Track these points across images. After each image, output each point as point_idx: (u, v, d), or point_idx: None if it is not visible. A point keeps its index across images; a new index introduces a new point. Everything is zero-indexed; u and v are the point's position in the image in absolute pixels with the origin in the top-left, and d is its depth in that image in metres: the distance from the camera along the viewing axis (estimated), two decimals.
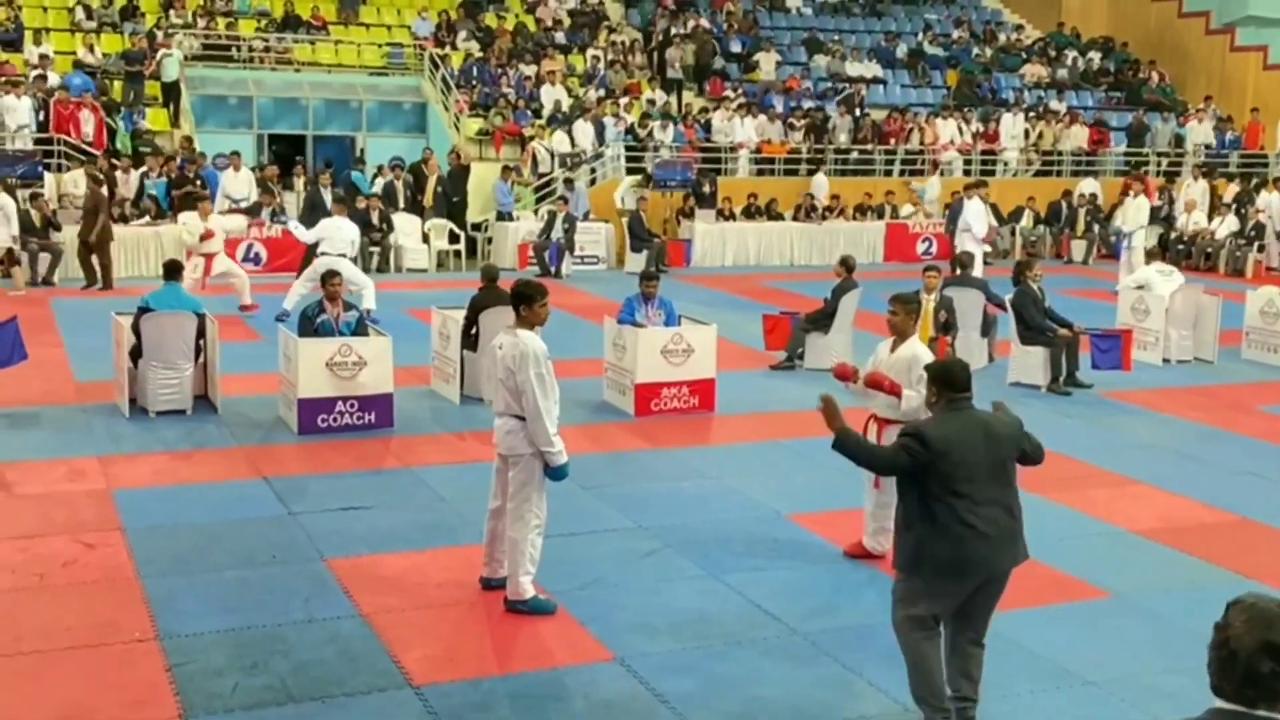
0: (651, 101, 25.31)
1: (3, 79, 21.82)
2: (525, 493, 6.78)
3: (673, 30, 28.52)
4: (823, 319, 13.56)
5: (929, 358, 7.16)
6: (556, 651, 6.40)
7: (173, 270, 11.55)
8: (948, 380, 5.44)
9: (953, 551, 5.17)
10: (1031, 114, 28.31)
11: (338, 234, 15.43)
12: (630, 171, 23.64)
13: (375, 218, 19.96)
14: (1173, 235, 23.91)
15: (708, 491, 9.22)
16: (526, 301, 6.74)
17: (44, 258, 18.30)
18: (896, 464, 5.34)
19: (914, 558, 5.29)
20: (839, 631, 6.73)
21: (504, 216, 21.96)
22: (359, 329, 11.05)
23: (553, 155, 23.60)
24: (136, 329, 10.95)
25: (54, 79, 22.15)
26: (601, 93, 25.93)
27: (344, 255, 15.23)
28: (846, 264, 13.72)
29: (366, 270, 18.16)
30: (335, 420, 10.54)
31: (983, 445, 5.26)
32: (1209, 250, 23.44)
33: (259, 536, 7.96)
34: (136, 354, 10.97)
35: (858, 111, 26.72)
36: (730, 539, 8.13)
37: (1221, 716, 2.70)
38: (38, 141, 20.86)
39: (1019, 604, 7.22)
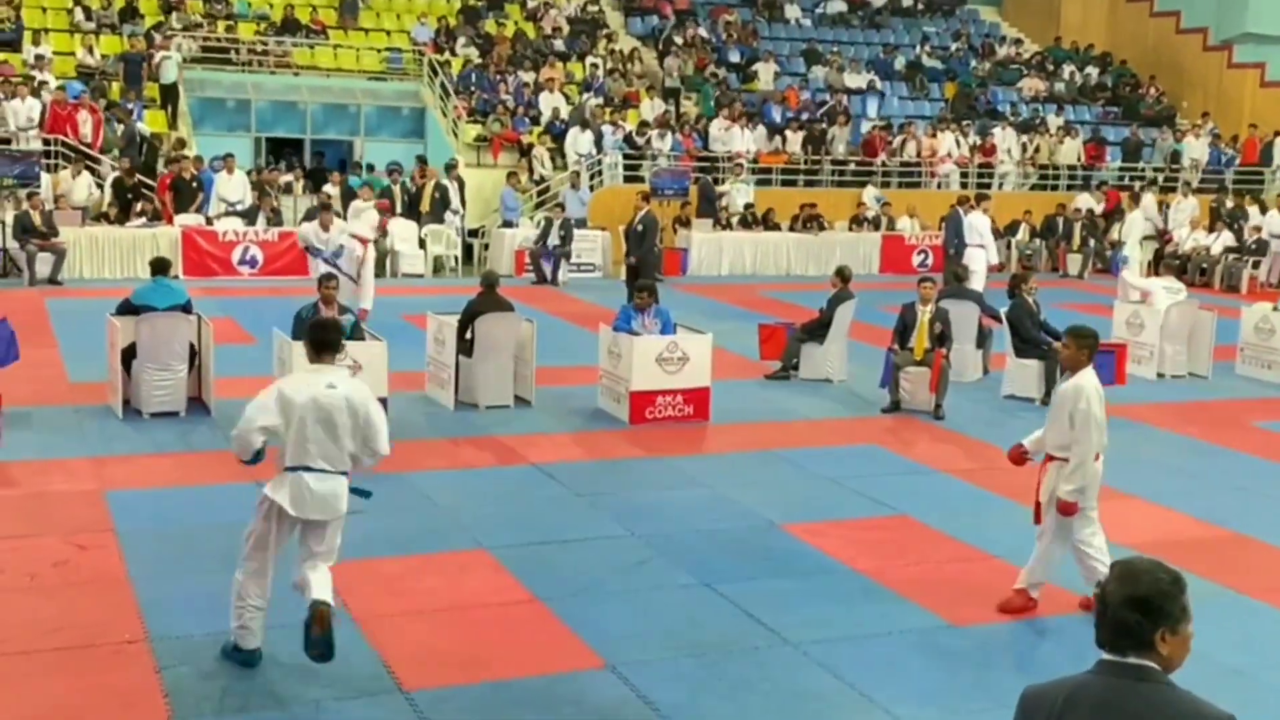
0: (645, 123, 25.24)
1: (5, 80, 21.77)
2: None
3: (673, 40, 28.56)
4: (818, 329, 13.57)
5: (1093, 389, 6.86)
6: (547, 658, 6.38)
7: (160, 267, 11.62)
8: None
9: None
10: (1028, 127, 28.35)
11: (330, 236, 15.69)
12: (629, 180, 23.66)
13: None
14: (1167, 249, 23.93)
15: (701, 500, 9.21)
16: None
17: (45, 258, 18.27)
18: None
19: None
20: (832, 642, 6.71)
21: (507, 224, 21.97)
22: (354, 333, 11.02)
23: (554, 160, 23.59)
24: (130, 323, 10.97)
25: (49, 80, 22.11)
26: (600, 100, 25.96)
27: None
28: (842, 275, 13.75)
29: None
30: None
31: None
32: (1204, 265, 23.48)
33: None
34: (130, 355, 10.96)
35: (841, 122, 26.65)
36: (723, 548, 8.12)
37: (1103, 666, 3.05)
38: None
39: (1007, 617, 7.23)
